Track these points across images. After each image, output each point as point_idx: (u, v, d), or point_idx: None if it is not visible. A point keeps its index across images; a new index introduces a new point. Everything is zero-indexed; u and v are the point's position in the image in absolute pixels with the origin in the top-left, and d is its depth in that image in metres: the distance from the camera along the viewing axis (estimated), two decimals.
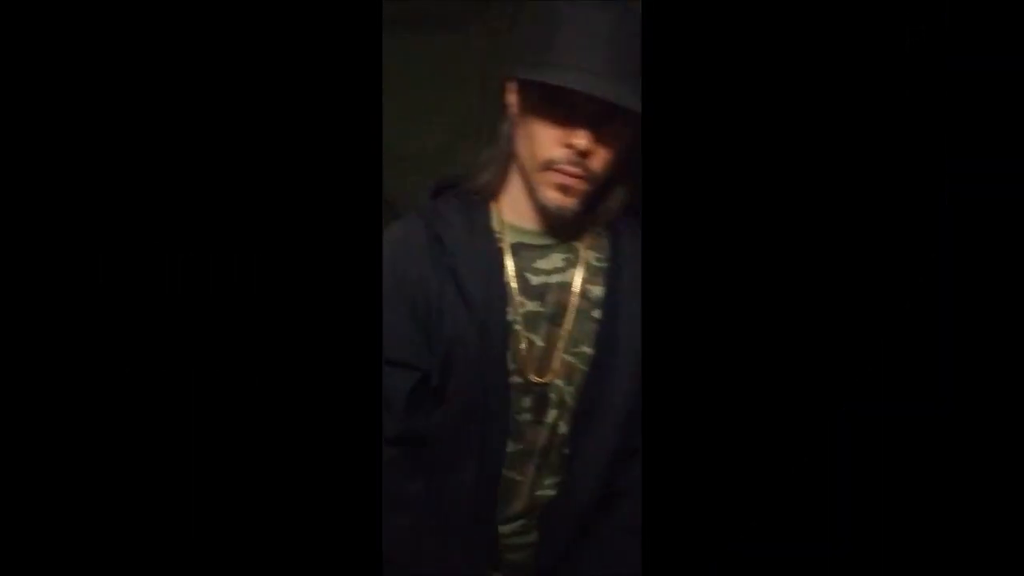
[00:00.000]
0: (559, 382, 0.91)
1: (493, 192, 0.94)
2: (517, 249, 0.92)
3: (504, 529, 0.94)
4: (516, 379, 0.89)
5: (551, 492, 0.93)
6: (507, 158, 0.91)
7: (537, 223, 0.93)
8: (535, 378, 0.89)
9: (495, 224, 0.92)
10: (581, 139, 0.83)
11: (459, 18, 1.30)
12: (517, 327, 0.89)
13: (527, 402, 0.90)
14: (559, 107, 0.82)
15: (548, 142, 0.85)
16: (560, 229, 0.92)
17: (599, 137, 0.84)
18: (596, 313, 0.91)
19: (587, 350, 0.91)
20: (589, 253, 0.93)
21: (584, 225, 0.94)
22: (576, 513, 0.92)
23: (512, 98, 0.88)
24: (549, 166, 0.86)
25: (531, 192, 0.89)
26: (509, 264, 0.90)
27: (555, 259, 0.92)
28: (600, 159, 0.85)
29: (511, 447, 0.91)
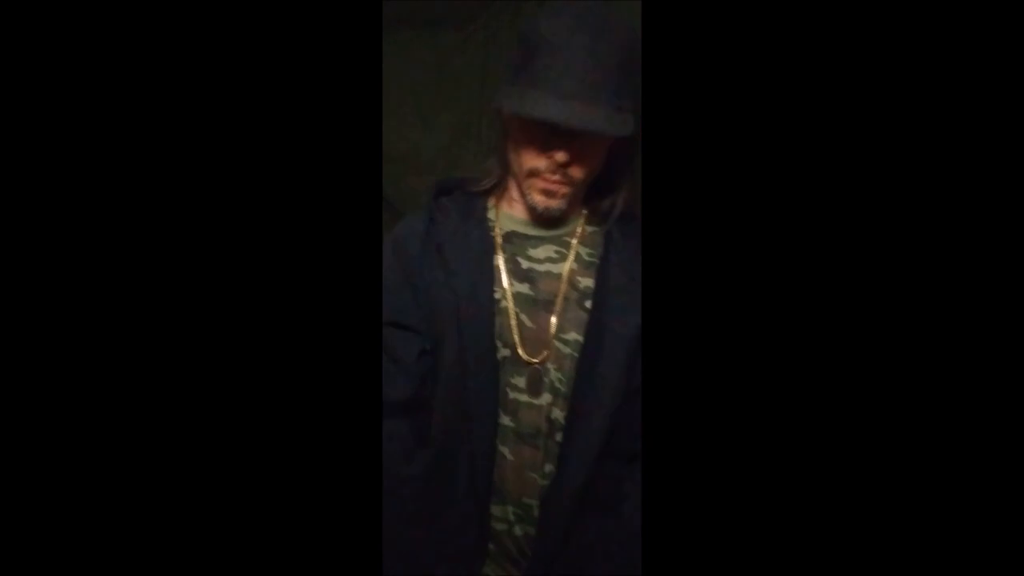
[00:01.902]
0: (551, 366, 0.93)
1: (491, 192, 0.99)
2: (510, 236, 0.97)
3: (496, 511, 0.95)
4: (505, 352, 0.93)
5: (544, 482, 0.94)
6: (505, 166, 0.97)
7: (530, 218, 0.98)
8: (527, 356, 0.93)
9: (491, 214, 0.98)
10: (559, 155, 0.90)
11: (459, 18, 1.30)
12: (506, 304, 0.93)
13: (520, 381, 0.93)
14: (538, 126, 0.88)
15: (531, 155, 0.92)
16: (552, 225, 0.98)
17: (578, 150, 0.91)
18: (586, 303, 0.94)
19: (576, 337, 0.94)
20: (581, 248, 0.98)
21: (578, 223, 0.98)
22: (567, 507, 0.94)
23: (501, 113, 0.93)
24: (534, 174, 0.93)
25: (523, 194, 0.95)
26: (500, 248, 0.96)
27: (547, 249, 0.97)
28: (581, 168, 0.92)
29: (505, 420, 0.93)
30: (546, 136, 0.89)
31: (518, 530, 0.94)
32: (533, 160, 0.92)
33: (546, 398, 0.93)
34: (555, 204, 0.93)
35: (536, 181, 0.93)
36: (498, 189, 0.98)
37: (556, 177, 0.92)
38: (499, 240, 0.96)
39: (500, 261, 0.95)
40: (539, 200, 0.93)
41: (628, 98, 0.88)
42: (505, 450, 0.93)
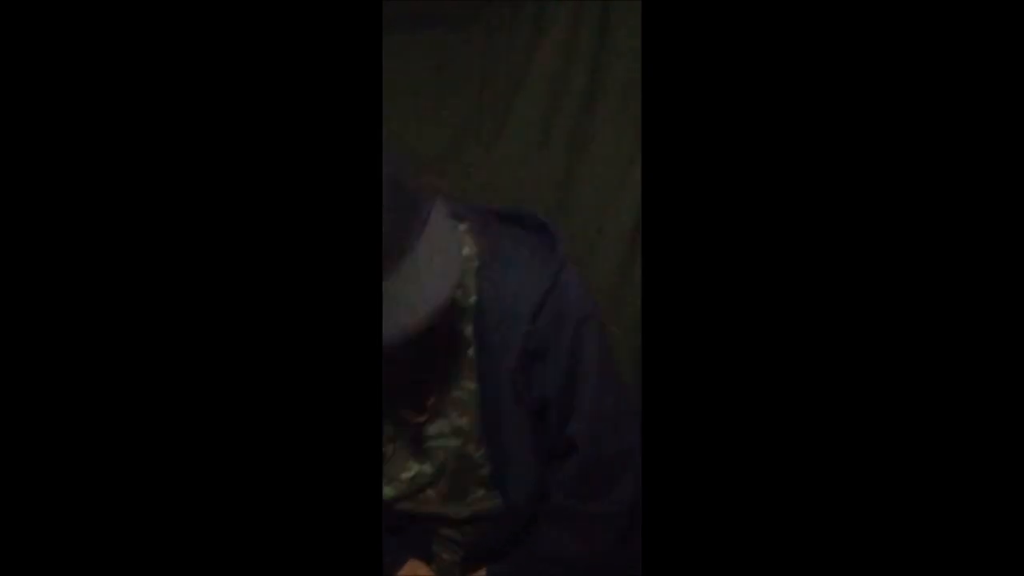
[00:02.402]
0: (452, 413, 0.96)
1: None
2: None
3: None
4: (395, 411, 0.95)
5: (464, 511, 0.98)
6: None
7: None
8: (416, 418, 0.95)
9: None
10: None
11: (459, 18, 1.30)
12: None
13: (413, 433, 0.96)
14: None
15: None
16: None
17: None
18: (469, 351, 0.94)
19: (470, 385, 0.95)
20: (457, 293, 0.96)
21: None
22: (511, 526, 0.98)
23: None
24: None
25: None
26: None
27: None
28: None
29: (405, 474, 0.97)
30: None
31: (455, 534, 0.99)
32: None
33: (452, 442, 0.96)
34: None
35: None
36: None
37: None
38: None
39: None
40: None
41: None
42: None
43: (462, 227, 0.96)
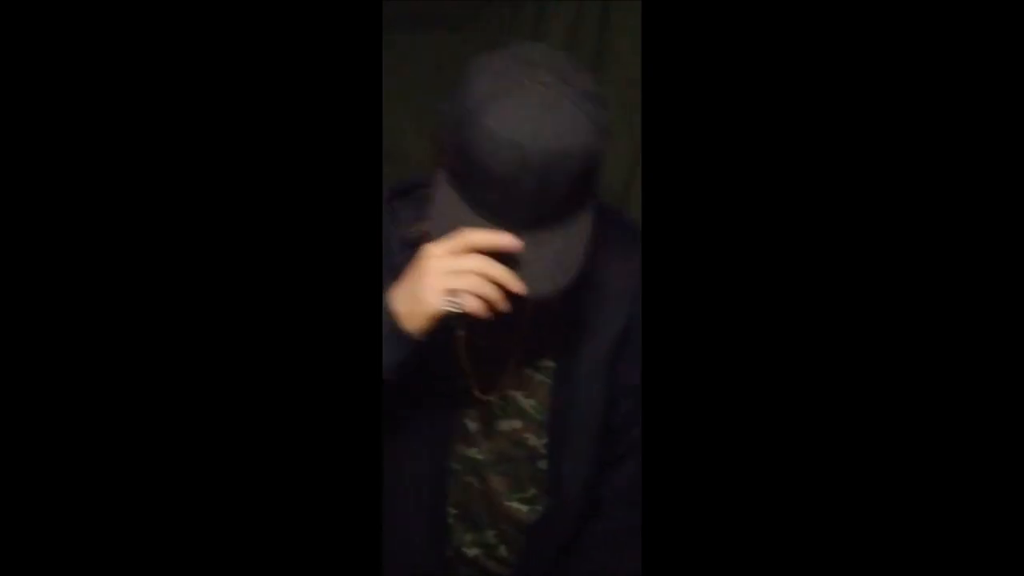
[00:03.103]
0: (517, 393, 0.90)
1: None
2: None
3: (468, 538, 0.93)
4: (461, 382, 0.89)
5: (523, 507, 0.92)
6: None
7: None
8: (481, 396, 0.89)
9: None
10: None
11: (459, 18, 1.30)
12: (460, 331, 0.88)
13: (473, 411, 0.90)
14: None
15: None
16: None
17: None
18: (548, 325, 0.89)
19: (549, 363, 0.90)
20: None
21: None
22: (561, 531, 0.92)
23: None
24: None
25: None
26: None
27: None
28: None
29: (466, 451, 0.91)
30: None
31: (500, 553, 0.93)
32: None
33: (508, 424, 0.90)
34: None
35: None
36: None
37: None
38: None
39: None
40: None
41: None
42: (471, 479, 0.91)
43: None
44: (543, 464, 0.91)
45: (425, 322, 0.75)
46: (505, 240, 0.73)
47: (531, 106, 0.71)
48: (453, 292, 0.74)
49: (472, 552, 0.94)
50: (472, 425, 0.90)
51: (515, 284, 0.73)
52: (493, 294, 0.73)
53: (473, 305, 0.73)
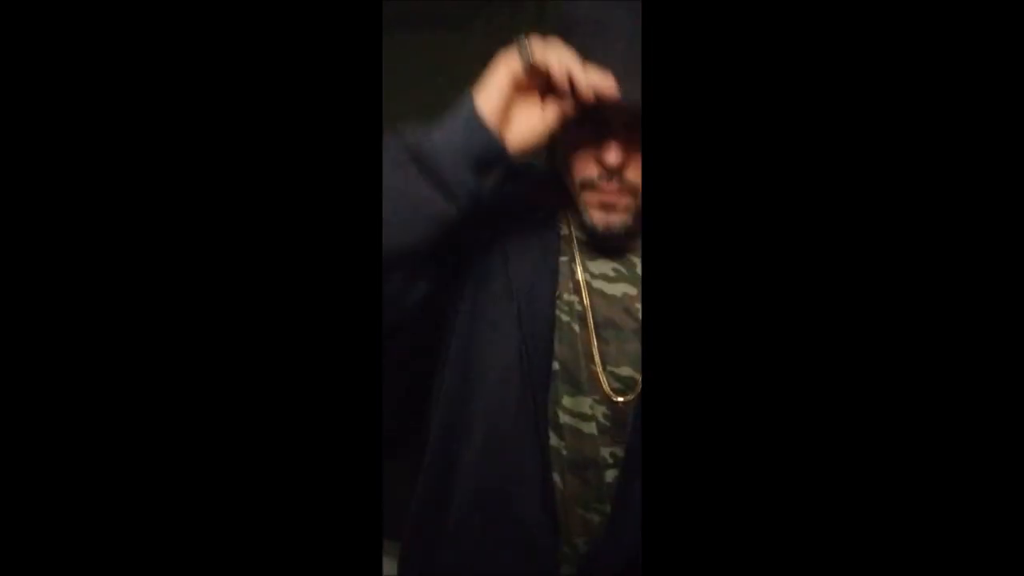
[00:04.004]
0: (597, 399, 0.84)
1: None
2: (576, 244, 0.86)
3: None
4: (556, 366, 0.84)
5: (595, 517, 0.85)
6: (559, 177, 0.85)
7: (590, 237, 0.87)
8: (616, 397, 0.83)
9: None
10: (611, 155, 0.77)
11: (459, 18, 1.30)
12: (564, 316, 0.84)
13: (568, 401, 0.84)
14: (583, 122, 0.77)
15: (580, 163, 0.80)
16: (616, 241, 0.86)
17: (632, 147, 0.78)
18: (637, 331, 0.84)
19: (633, 373, 0.84)
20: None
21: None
22: (623, 558, 0.84)
23: None
24: (587, 186, 0.80)
25: (578, 211, 0.84)
26: (564, 258, 0.85)
27: (605, 265, 0.86)
28: (637, 170, 0.79)
29: (555, 442, 0.84)
30: (592, 133, 0.77)
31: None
32: (583, 170, 0.79)
33: (592, 426, 0.84)
34: (617, 221, 0.81)
35: (590, 195, 0.80)
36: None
37: (612, 186, 0.79)
38: (564, 246, 0.85)
39: (562, 271, 0.84)
40: (598, 219, 0.81)
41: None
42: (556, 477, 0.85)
43: None
44: (611, 478, 0.84)
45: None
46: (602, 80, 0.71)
47: None
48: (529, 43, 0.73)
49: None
50: (562, 418, 0.84)
51: (606, 83, 0.71)
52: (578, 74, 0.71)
53: (551, 63, 0.71)
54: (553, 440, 0.85)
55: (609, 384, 0.84)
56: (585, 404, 0.85)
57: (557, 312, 0.85)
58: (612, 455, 0.85)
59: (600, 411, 0.85)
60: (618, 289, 0.85)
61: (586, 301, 0.85)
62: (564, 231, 0.87)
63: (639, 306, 0.84)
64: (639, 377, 0.83)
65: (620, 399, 0.83)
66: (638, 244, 0.85)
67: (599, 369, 0.83)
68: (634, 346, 0.84)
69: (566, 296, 0.85)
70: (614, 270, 0.86)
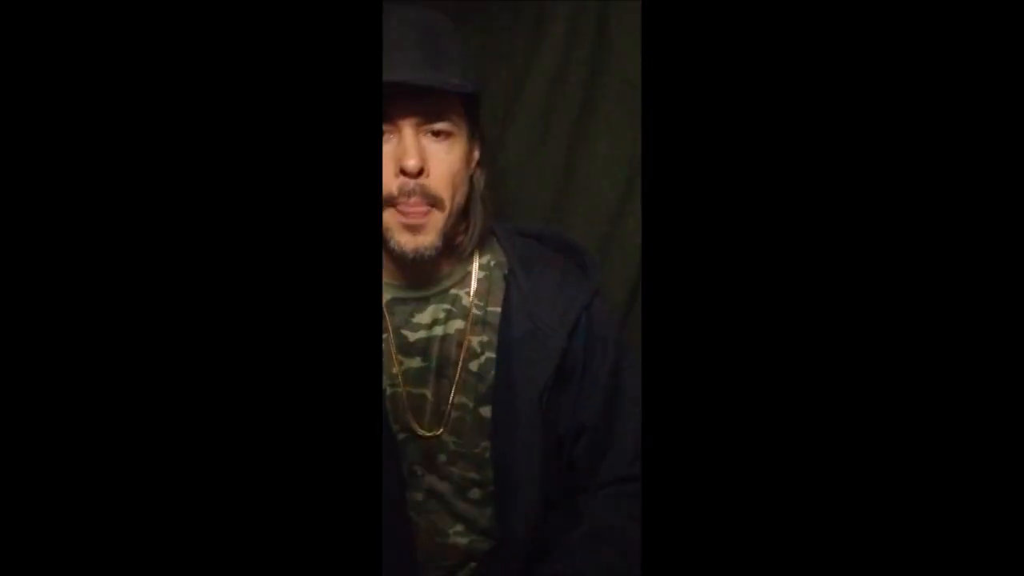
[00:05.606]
0: (447, 437, 0.89)
1: None
2: (392, 306, 0.88)
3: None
4: (402, 435, 0.88)
5: (463, 540, 0.91)
6: None
7: (403, 275, 0.88)
8: (422, 431, 0.88)
9: None
10: (410, 158, 0.76)
11: (459, 18, 1.30)
12: (396, 388, 0.87)
13: (417, 454, 0.89)
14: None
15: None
16: (430, 276, 0.88)
17: (431, 151, 0.78)
18: (478, 364, 0.89)
19: (469, 402, 0.89)
20: (471, 300, 0.89)
21: (465, 270, 0.90)
22: (511, 567, 0.91)
23: None
24: (389, 203, 0.79)
25: (384, 242, 0.82)
26: (387, 323, 0.87)
27: (433, 311, 0.89)
28: (440, 178, 0.79)
29: (415, 496, 0.90)
30: (390, 139, 0.77)
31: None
32: (384, 184, 0.77)
33: (443, 460, 0.89)
34: (425, 243, 0.80)
35: (394, 215, 0.79)
36: None
37: (416, 199, 0.78)
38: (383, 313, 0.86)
39: (387, 339, 0.86)
40: (404, 242, 0.80)
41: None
42: (418, 519, 0.90)
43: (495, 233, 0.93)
44: (483, 496, 0.90)
45: None
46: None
47: None
48: None
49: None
50: (415, 469, 0.90)
51: None
52: None
53: None
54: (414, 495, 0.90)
55: (456, 416, 0.90)
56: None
57: (393, 385, 0.89)
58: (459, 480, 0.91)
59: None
60: (452, 327, 0.89)
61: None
62: None
63: (473, 337, 0.88)
64: (480, 405, 0.88)
65: (426, 433, 0.88)
66: (461, 278, 0.89)
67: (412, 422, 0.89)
68: (474, 377, 0.89)
69: (398, 359, 0.88)
70: (445, 311, 0.88)
